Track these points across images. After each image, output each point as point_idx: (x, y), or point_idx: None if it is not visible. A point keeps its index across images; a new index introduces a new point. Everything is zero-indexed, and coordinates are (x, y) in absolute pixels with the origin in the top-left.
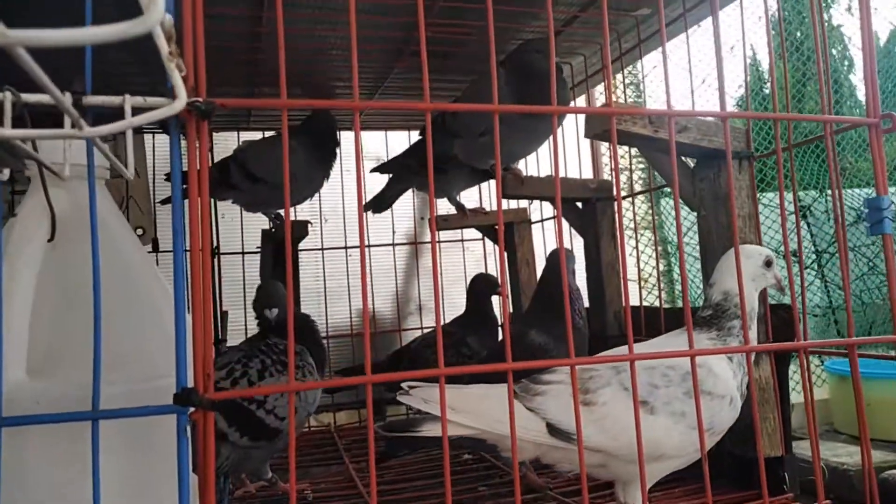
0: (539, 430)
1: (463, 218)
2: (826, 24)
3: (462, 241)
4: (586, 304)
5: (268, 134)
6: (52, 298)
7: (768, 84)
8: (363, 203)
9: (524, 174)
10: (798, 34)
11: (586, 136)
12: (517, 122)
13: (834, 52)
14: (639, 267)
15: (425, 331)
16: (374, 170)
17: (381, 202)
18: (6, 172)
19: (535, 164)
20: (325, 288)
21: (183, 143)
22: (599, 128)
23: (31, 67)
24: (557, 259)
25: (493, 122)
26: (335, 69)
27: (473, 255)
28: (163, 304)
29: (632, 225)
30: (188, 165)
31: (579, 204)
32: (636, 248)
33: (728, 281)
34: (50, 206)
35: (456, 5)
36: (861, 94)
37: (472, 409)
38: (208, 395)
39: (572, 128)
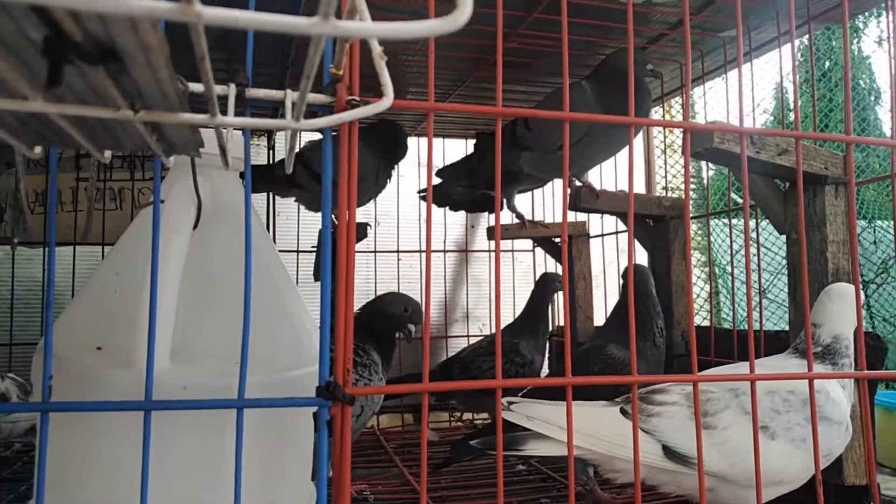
0: (654, 452)
1: (521, 228)
2: (855, 53)
3: (512, 251)
4: None
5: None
6: (189, 287)
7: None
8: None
9: (597, 188)
10: (826, 63)
11: (690, 155)
12: (601, 134)
13: (862, 83)
14: (712, 288)
15: (471, 339)
16: (437, 173)
17: (443, 202)
18: (108, 154)
19: (595, 179)
20: (375, 291)
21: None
22: (700, 145)
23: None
24: (640, 274)
25: (573, 135)
26: (411, 75)
27: (522, 265)
28: (289, 298)
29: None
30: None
31: (649, 221)
32: (709, 268)
33: (837, 326)
34: (198, 194)
35: (551, 17)
36: (887, 128)
37: (582, 429)
38: (347, 389)
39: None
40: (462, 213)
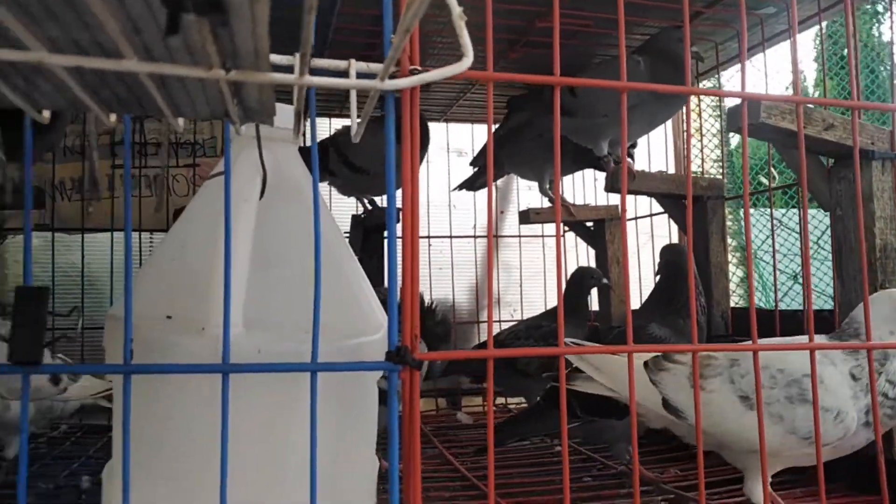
0: (656, 402)
1: (553, 213)
2: (875, 38)
3: (542, 236)
4: None
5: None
6: (254, 258)
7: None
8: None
9: (637, 168)
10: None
11: (729, 128)
12: (647, 107)
13: (883, 70)
14: (750, 270)
15: (503, 325)
16: (472, 163)
17: (471, 186)
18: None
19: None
20: None
21: None
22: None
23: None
24: (678, 254)
25: (618, 104)
26: (453, 46)
27: (553, 251)
28: (351, 270)
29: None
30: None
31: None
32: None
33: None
34: (263, 166)
35: None
36: None
37: (612, 373)
38: (415, 354)
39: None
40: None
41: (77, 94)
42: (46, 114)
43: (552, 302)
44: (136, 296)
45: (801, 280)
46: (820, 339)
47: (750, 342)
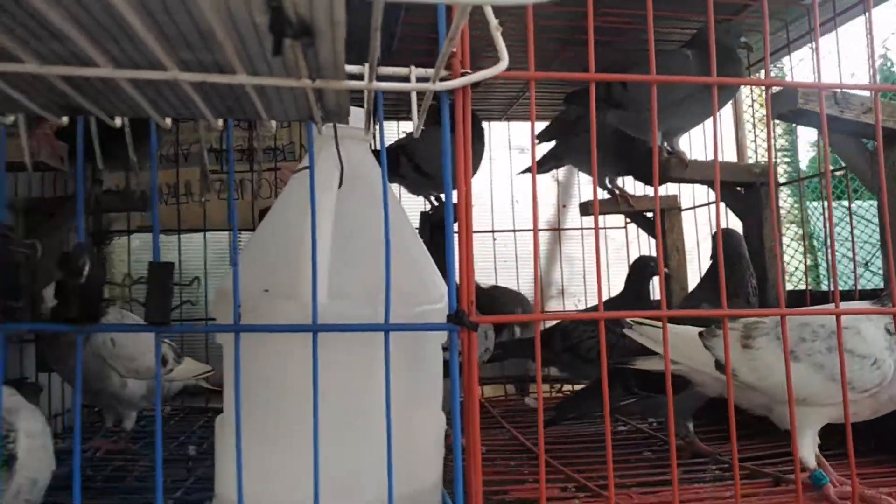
0: (710, 364)
1: (614, 204)
2: None
3: (605, 228)
4: None
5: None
6: (334, 239)
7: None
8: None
9: (689, 157)
10: None
11: (774, 116)
12: (698, 97)
13: None
14: (806, 254)
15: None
16: (538, 136)
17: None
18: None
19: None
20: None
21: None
22: (785, 107)
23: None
24: (731, 237)
25: (670, 97)
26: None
27: (614, 242)
28: (415, 248)
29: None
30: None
31: (740, 189)
32: (803, 232)
33: None
34: (340, 161)
35: None
36: None
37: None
38: (472, 318)
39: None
40: (553, 193)
41: (199, 104)
42: (168, 120)
43: (615, 291)
44: (241, 271)
45: (870, 267)
46: (862, 303)
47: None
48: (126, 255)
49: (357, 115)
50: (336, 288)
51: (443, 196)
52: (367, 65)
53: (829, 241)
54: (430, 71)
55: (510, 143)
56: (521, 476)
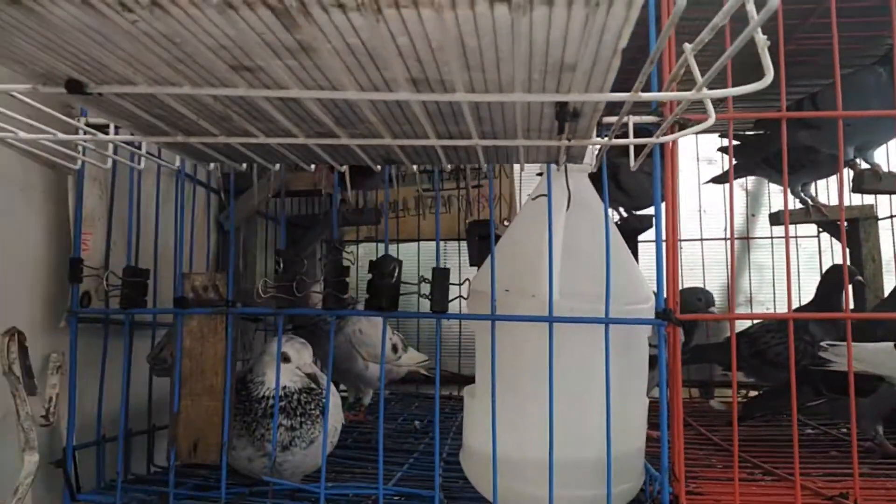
0: None
1: (806, 214)
2: None
3: (796, 237)
4: None
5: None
6: (563, 250)
7: None
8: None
9: (884, 169)
10: None
11: None
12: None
13: None
14: None
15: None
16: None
17: (722, 180)
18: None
19: (882, 160)
20: None
21: None
22: None
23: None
24: None
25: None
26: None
27: (806, 251)
28: (626, 257)
29: None
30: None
31: None
32: None
33: None
34: (568, 188)
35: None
36: None
37: (870, 360)
38: (677, 315)
39: None
40: (742, 203)
41: (481, 158)
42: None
43: (806, 300)
44: (484, 276)
45: None
46: None
47: None
48: (355, 261)
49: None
50: (565, 289)
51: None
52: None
53: None
54: (646, 118)
55: (698, 154)
56: (709, 463)
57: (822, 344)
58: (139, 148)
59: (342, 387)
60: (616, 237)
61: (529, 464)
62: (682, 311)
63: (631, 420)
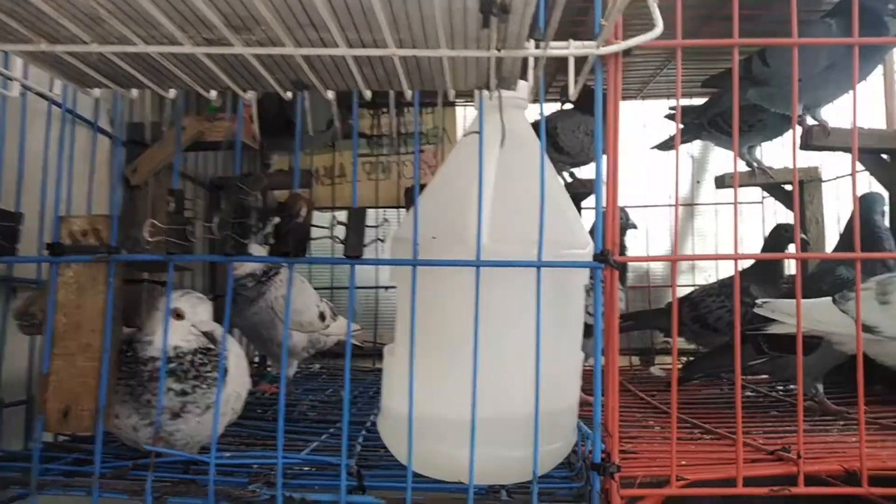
0: (849, 325)
1: (751, 176)
2: None
3: (741, 203)
4: None
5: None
6: (494, 191)
7: None
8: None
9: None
10: None
11: None
12: (838, 65)
13: None
14: None
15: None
16: (667, 116)
17: (667, 146)
18: None
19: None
20: None
21: None
22: None
23: None
24: (866, 201)
25: (811, 67)
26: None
27: (750, 217)
28: (564, 201)
29: None
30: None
31: (887, 157)
32: None
33: None
34: (503, 124)
35: None
36: None
37: (806, 315)
38: (615, 258)
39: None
40: (687, 169)
41: (401, 77)
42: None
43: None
44: (410, 222)
45: None
46: None
47: None
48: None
49: (520, 87)
50: (496, 233)
51: (576, 171)
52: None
53: None
54: (587, 43)
55: (642, 121)
56: (646, 423)
57: (756, 301)
58: None
59: (268, 361)
60: (554, 180)
61: (452, 423)
62: None
63: (564, 375)
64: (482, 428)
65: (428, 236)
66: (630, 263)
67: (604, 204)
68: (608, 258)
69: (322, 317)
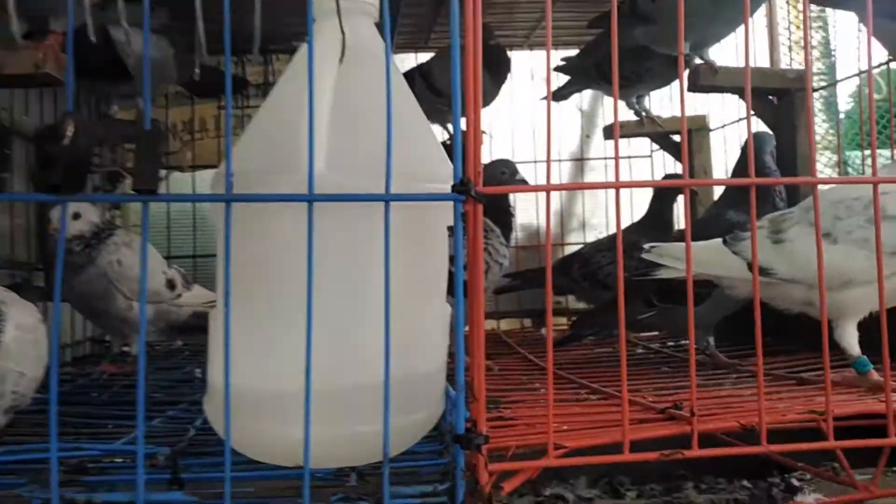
0: (740, 267)
1: (639, 126)
2: None
3: (629, 157)
4: None
5: None
6: (337, 114)
7: None
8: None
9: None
10: None
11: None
12: (728, 4)
13: None
14: (840, 160)
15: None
16: (556, 69)
17: (559, 97)
18: None
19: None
20: None
21: None
22: None
23: None
24: (756, 140)
25: (700, 3)
26: None
27: (639, 174)
28: (421, 127)
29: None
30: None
31: (773, 98)
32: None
33: None
34: (342, 32)
35: None
36: None
37: (696, 258)
38: (479, 188)
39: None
40: (577, 124)
41: None
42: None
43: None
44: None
45: None
46: None
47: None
48: None
49: None
50: (337, 161)
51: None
52: None
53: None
54: None
55: (532, 71)
56: (532, 386)
57: (644, 246)
58: None
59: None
60: (409, 101)
61: (286, 397)
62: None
63: (426, 334)
64: (325, 400)
65: (255, 169)
66: (520, 222)
67: (462, 125)
68: (469, 188)
69: (171, 285)
